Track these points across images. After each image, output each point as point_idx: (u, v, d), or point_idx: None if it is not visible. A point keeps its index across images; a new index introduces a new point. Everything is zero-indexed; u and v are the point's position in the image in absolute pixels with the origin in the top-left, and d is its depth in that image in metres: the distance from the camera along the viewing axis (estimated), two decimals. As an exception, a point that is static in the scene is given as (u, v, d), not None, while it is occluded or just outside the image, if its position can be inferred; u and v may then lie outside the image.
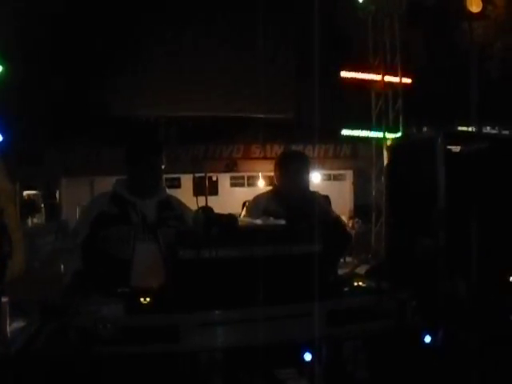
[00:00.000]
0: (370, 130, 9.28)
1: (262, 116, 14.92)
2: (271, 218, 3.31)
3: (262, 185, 18.29)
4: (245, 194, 19.04)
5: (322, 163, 16.70)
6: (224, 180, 18.94)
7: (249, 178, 19.05)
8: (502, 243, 3.70)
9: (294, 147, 16.51)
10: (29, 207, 15.08)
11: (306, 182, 4.37)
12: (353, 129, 10.31)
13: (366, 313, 2.95)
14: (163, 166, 3.90)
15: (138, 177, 3.83)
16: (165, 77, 14.55)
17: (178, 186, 17.16)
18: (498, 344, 3.35)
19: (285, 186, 4.36)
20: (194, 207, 11.24)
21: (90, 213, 3.81)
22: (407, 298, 3.02)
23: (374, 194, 11.96)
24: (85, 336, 2.60)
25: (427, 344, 3.05)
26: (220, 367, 2.75)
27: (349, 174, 19.55)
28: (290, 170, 4.32)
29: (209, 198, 12.58)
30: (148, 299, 2.84)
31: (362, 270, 9.89)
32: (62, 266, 3.77)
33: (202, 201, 11.39)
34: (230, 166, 15.87)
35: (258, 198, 4.52)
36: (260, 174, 18.17)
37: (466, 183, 3.87)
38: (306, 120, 13.12)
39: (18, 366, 2.82)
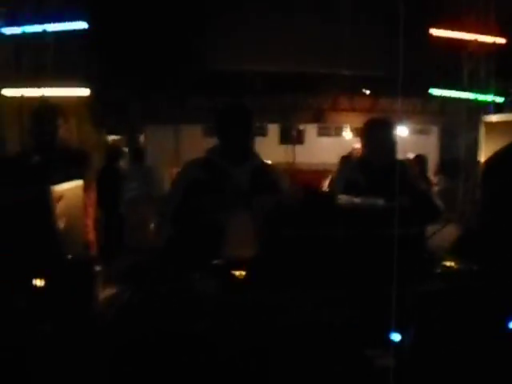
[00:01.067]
0: (461, 90, 9.18)
1: (352, 73, 14.83)
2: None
3: (349, 136, 18.29)
4: (332, 143, 19.01)
5: (410, 117, 16.53)
6: (311, 130, 18.95)
7: (336, 128, 19.03)
8: None
9: (382, 100, 16.51)
10: (112, 152, 15.39)
11: (393, 151, 4.30)
12: (443, 88, 10.17)
13: (456, 297, 2.96)
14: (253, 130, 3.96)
15: (230, 143, 3.84)
16: (255, 30, 14.60)
17: (264, 134, 17.28)
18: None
19: (371, 154, 4.32)
20: (279, 156, 11.55)
21: (184, 179, 3.89)
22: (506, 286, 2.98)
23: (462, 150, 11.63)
24: (183, 312, 2.75)
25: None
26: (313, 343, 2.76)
27: (435, 129, 19.27)
28: (377, 139, 4.26)
29: (295, 146, 12.98)
30: (244, 274, 2.98)
31: (449, 230, 9.93)
32: (155, 229, 3.88)
33: (288, 150, 11.75)
34: (318, 117, 15.92)
35: (343, 167, 4.62)
36: (348, 125, 18.19)
37: None
38: (396, 76, 13.04)
39: (111, 339, 2.85)
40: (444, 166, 18.48)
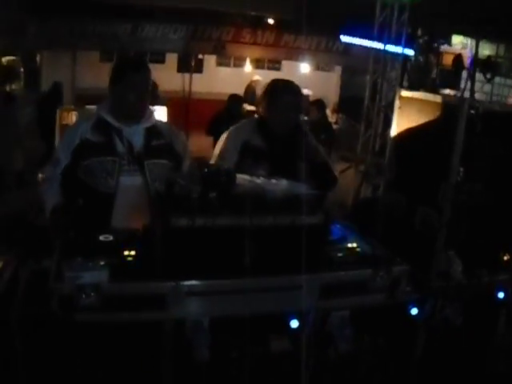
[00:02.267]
0: (371, 39, 8.84)
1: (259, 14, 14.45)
2: (269, 180, 3.00)
3: (248, 69, 17.89)
4: (230, 74, 18.69)
5: (313, 55, 16.32)
6: (210, 59, 18.39)
7: (236, 59, 18.58)
8: (502, 221, 3.61)
9: (285, 36, 16.13)
10: (7, 72, 14.65)
11: (296, 118, 4.03)
12: (353, 36, 9.82)
13: (357, 287, 2.87)
14: (149, 88, 3.58)
15: (122, 99, 3.49)
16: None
17: (162, 61, 16.69)
18: (482, 320, 3.37)
19: (272, 119, 3.96)
20: (177, 84, 10.98)
21: (73, 140, 3.51)
22: (402, 274, 2.92)
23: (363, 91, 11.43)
24: (67, 304, 2.46)
25: (414, 316, 3.05)
26: (206, 334, 2.65)
27: (338, 68, 19.22)
28: (281, 104, 3.91)
29: (193, 75, 12.37)
30: (134, 264, 2.68)
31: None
32: (42, 196, 3.51)
33: (185, 78, 11.14)
34: (219, 49, 15.32)
35: (238, 129, 4.08)
36: (248, 58, 17.76)
37: (480, 159, 3.69)
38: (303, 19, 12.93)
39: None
40: (344, 105, 18.55)
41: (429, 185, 3.54)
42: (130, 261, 2.72)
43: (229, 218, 2.65)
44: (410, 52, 8.44)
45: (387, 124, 8.58)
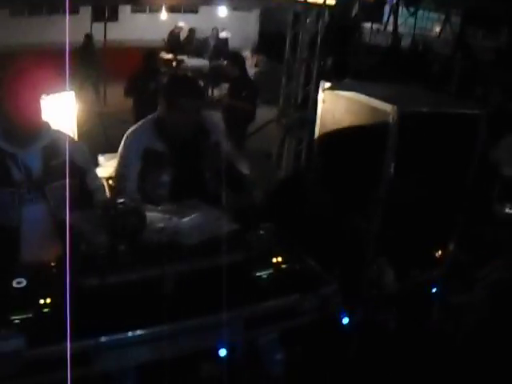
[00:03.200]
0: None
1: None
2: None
3: (164, 17, 17.31)
4: (146, 20, 18.10)
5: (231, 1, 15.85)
6: (125, 6, 17.71)
7: (151, 5, 17.91)
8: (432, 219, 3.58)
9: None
10: None
11: (197, 120, 3.74)
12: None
13: (285, 312, 2.80)
14: (41, 100, 3.24)
15: (9, 119, 3.13)
16: None
17: (77, 11, 15.96)
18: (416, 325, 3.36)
19: (171, 122, 3.71)
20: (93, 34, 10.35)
21: None
22: (331, 294, 2.88)
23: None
24: None
25: (345, 326, 3.00)
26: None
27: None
28: (180, 108, 3.63)
29: (108, 24, 11.88)
30: (50, 318, 2.51)
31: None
32: None
33: (100, 28, 10.78)
34: (131, -2, 14.65)
35: (137, 133, 3.80)
36: (164, 3, 17.13)
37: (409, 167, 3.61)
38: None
39: None
40: (264, 45, 18.19)
41: (356, 187, 3.46)
42: (46, 313, 2.57)
43: (141, 271, 2.55)
44: (332, 1, 8.15)
45: (308, 76, 8.45)
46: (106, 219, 2.65)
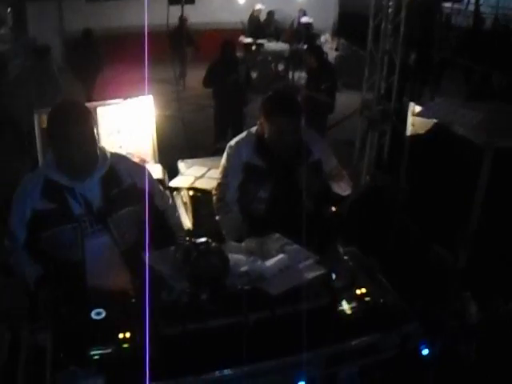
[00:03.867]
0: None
1: None
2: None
3: (241, 1, 17.13)
4: (223, 1, 17.95)
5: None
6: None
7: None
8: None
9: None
10: None
11: (297, 138, 3.62)
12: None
13: (366, 349, 2.68)
14: (93, 136, 3.04)
15: (65, 155, 2.98)
16: None
17: (153, -5, 16.00)
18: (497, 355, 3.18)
19: (271, 140, 3.63)
20: (170, 17, 10.36)
21: (23, 212, 3.07)
22: (414, 331, 2.74)
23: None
24: None
25: (424, 357, 2.84)
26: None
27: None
28: (279, 126, 3.54)
29: (186, 6, 11.86)
30: (130, 354, 2.46)
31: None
32: (16, 268, 3.22)
33: (177, 10, 10.75)
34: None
35: (239, 145, 3.78)
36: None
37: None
38: None
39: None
40: (344, 27, 17.80)
41: (444, 218, 3.28)
42: (125, 349, 2.52)
43: (222, 319, 2.51)
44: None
45: (392, 68, 8.15)
46: (187, 262, 2.57)
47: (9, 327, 2.78)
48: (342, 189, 3.86)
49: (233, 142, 3.82)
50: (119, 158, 3.29)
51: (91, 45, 11.80)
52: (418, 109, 4.11)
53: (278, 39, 16.09)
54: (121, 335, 2.56)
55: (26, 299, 3.22)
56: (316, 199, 3.57)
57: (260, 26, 16.57)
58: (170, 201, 3.75)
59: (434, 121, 3.88)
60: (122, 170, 3.19)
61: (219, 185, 3.85)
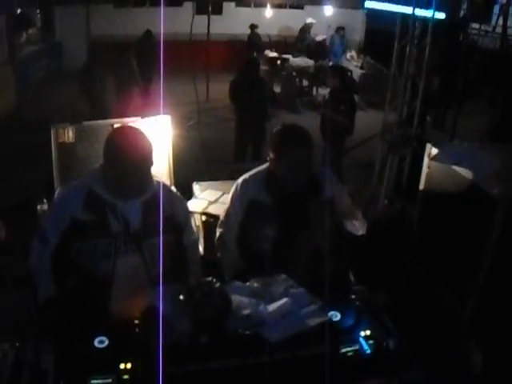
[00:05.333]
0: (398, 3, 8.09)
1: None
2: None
3: (268, 15, 17.14)
4: (251, 14, 18.02)
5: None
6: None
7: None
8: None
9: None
10: (23, 21, 14.50)
11: (308, 173, 3.53)
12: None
13: None
14: (152, 165, 3.17)
15: (118, 179, 3.12)
16: None
17: (179, 4, 16.11)
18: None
19: (282, 175, 3.53)
20: (196, 26, 10.46)
21: (62, 218, 3.15)
22: (415, 378, 2.65)
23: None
24: None
25: None
26: None
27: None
28: (291, 160, 3.43)
29: (213, 17, 11.98)
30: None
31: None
32: (32, 275, 3.23)
33: (204, 20, 10.85)
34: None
35: (246, 183, 3.69)
36: (268, 4, 16.99)
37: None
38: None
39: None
40: (370, 44, 17.74)
41: (454, 266, 3.25)
42: (125, 380, 2.53)
43: (221, 362, 2.51)
44: (441, 15, 7.73)
45: (415, 92, 8.10)
46: (190, 303, 2.57)
47: (11, 346, 2.74)
48: (356, 228, 3.79)
49: (240, 180, 3.73)
50: (163, 187, 3.33)
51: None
52: (434, 151, 4.06)
53: (309, 55, 15.97)
54: (122, 365, 2.56)
55: (35, 314, 3.22)
56: (328, 238, 3.41)
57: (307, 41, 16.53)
58: (196, 236, 3.80)
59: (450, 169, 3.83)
60: (163, 199, 3.20)
61: (221, 222, 3.80)
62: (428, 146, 4.16)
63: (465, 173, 3.67)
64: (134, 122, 4.81)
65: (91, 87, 10.15)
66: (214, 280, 2.81)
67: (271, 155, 3.56)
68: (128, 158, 3.03)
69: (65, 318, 2.99)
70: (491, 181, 3.43)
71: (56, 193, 4.00)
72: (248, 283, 3.13)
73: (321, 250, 3.47)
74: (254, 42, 15.57)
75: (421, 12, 7.63)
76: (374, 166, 8.83)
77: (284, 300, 2.88)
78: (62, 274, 3.22)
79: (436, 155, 4.07)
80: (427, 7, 7.60)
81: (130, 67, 11.15)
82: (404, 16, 8.08)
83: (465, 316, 3.04)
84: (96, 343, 2.66)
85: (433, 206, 3.99)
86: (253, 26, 15.41)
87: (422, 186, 4.15)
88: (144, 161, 3.11)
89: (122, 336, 2.72)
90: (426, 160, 4.12)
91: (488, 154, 3.91)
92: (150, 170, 3.20)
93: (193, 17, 14.20)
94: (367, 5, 8.88)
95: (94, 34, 16.61)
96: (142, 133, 3.18)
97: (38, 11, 16.60)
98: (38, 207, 4.75)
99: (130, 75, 11.00)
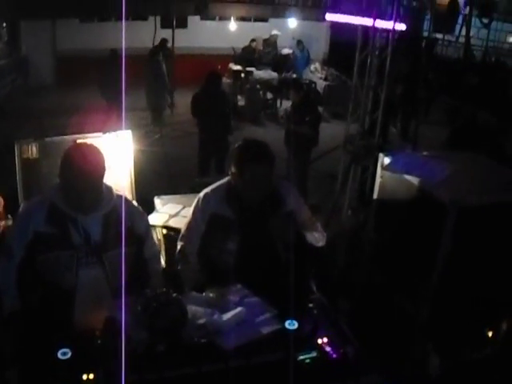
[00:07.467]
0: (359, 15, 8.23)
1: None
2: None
3: (233, 28, 17.23)
4: (215, 27, 18.11)
5: (300, 11, 15.80)
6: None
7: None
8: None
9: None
10: None
11: (268, 187, 3.58)
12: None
13: None
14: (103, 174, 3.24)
15: (74, 194, 3.18)
16: None
17: (144, 18, 16.10)
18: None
19: (243, 190, 3.59)
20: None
21: (25, 232, 3.22)
22: (372, 382, 2.73)
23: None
24: None
25: None
26: None
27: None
28: (251, 176, 3.49)
29: (177, 30, 12.04)
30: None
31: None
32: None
33: (169, 34, 10.89)
34: (201, 9, 14.56)
35: (208, 197, 3.73)
36: (232, 17, 17.07)
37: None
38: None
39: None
40: (334, 56, 17.92)
41: (408, 271, 3.33)
42: None
43: (177, 370, 2.56)
44: (402, 27, 7.85)
45: (377, 103, 8.20)
46: (146, 313, 2.61)
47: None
48: (316, 239, 3.83)
49: (202, 194, 3.77)
50: (123, 200, 3.36)
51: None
52: (386, 160, 4.14)
53: (274, 68, 16.03)
54: (84, 376, 2.59)
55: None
56: (289, 249, 3.45)
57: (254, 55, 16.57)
58: (157, 249, 3.85)
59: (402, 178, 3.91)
60: (124, 212, 3.25)
61: (182, 236, 3.83)
62: (380, 155, 4.24)
63: (416, 181, 3.76)
64: (96, 137, 4.84)
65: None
66: (171, 291, 2.85)
67: (232, 169, 3.60)
68: (79, 175, 3.11)
69: (29, 330, 3.03)
70: (442, 189, 3.53)
71: (20, 208, 4.00)
72: (204, 293, 3.19)
73: (282, 262, 3.53)
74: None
75: (381, 24, 7.75)
76: (338, 177, 8.92)
77: (239, 309, 2.94)
78: (28, 287, 3.25)
79: (388, 165, 4.15)
80: (388, 19, 7.74)
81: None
82: (365, 28, 8.20)
83: (420, 320, 3.10)
84: (59, 355, 2.68)
85: (387, 214, 4.07)
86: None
87: (375, 195, 4.24)
88: (97, 177, 3.20)
89: (85, 347, 2.75)
90: (379, 169, 4.20)
91: (440, 162, 4.00)
92: (102, 183, 3.28)
93: (155, 31, 14.33)
94: (328, 17, 8.95)
95: (60, 49, 16.54)
96: (96, 150, 3.25)
97: (3, 25, 16.45)
98: (2, 223, 4.72)
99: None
